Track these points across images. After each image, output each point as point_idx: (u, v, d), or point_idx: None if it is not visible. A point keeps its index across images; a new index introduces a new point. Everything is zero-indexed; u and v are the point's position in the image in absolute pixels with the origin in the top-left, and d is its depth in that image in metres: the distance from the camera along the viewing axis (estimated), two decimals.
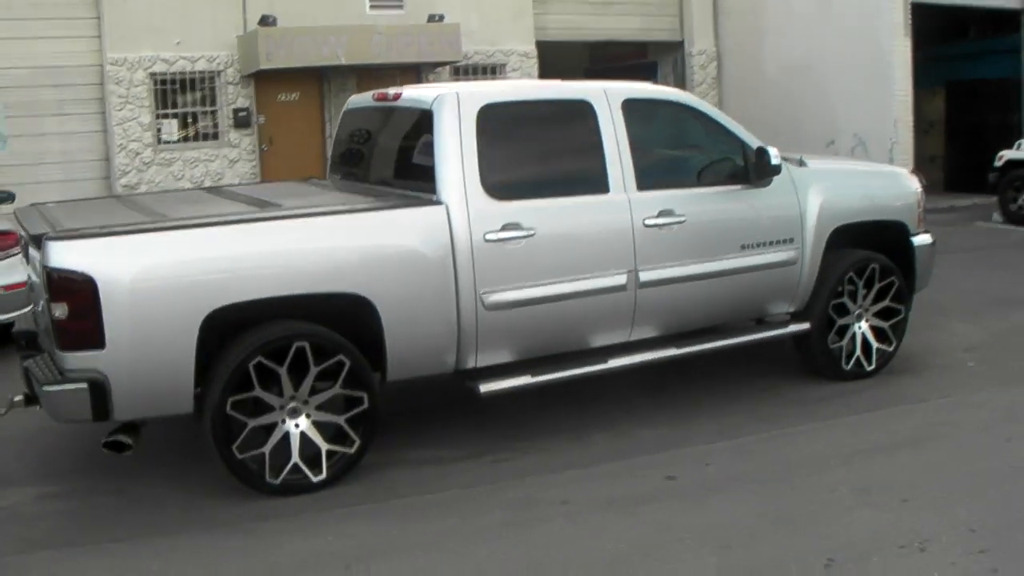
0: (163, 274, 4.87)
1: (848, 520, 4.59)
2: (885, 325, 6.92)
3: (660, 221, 5.96)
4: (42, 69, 13.10)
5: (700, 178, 6.33)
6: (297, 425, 5.23)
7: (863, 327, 6.87)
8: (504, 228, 5.53)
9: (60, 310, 4.79)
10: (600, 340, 6.00)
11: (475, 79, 16.22)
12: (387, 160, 6.39)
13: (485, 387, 5.60)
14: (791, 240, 6.48)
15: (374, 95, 6.48)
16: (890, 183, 7.15)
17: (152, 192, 9.30)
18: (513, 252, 5.56)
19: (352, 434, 5.31)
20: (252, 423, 5.12)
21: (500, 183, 5.60)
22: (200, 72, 14.38)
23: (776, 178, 6.40)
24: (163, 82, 14.17)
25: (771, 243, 6.41)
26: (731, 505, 4.86)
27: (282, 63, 13.98)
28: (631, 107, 6.06)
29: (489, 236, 5.49)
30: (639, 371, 6.53)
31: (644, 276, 5.92)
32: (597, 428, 6.07)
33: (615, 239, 5.86)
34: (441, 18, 15.33)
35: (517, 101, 5.92)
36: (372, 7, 15.64)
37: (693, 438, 5.87)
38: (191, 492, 5.29)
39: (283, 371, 5.13)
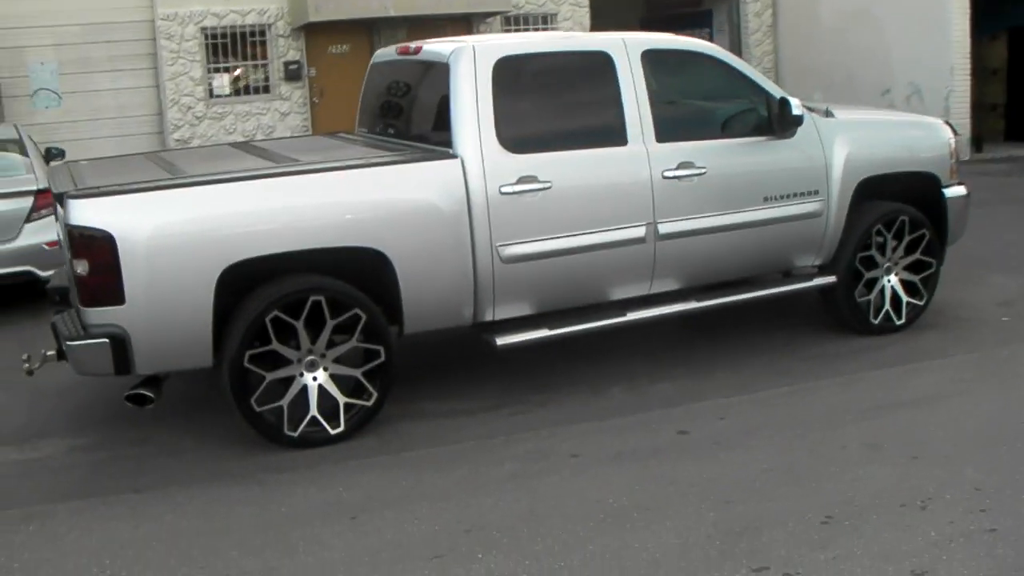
0: (180, 230, 4.98)
1: (854, 477, 4.57)
2: (915, 279, 6.80)
3: (679, 173, 5.91)
4: (94, 26, 13.32)
5: (722, 130, 6.25)
6: (315, 378, 5.33)
7: (892, 280, 6.76)
8: (520, 181, 5.53)
9: (81, 267, 4.93)
10: (620, 293, 5.99)
11: (527, 30, 16.12)
12: (410, 114, 6.42)
13: (502, 340, 5.65)
14: (816, 192, 6.38)
15: (397, 49, 6.50)
16: (921, 134, 6.97)
17: (180, 148, 9.39)
18: (530, 205, 5.57)
19: (369, 387, 5.41)
20: (270, 376, 5.23)
21: (516, 136, 5.59)
22: (250, 26, 14.47)
23: (801, 129, 6.29)
24: (214, 36, 14.28)
25: (795, 195, 6.31)
26: (739, 460, 4.86)
27: (331, 15, 14.02)
28: (651, 58, 5.99)
29: (505, 189, 5.50)
30: (660, 324, 6.52)
31: (663, 228, 5.89)
32: (615, 381, 6.09)
33: (633, 191, 5.83)
34: None
35: (534, 54, 5.89)
36: None
37: (711, 392, 5.86)
38: (212, 444, 5.45)
39: (300, 325, 5.22)
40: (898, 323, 6.76)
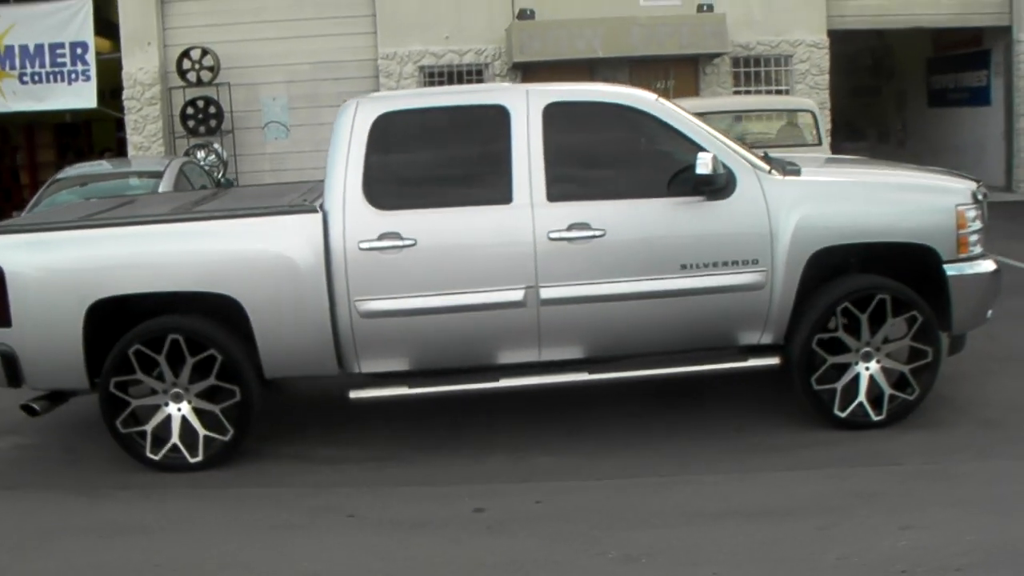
0: (56, 267, 5.58)
1: None
2: (904, 369, 5.82)
3: (569, 235, 5.56)
4: (322, 64, 14.63)
5: (637, 189, 5.72)
6: (179, 409, 5.70)
7: (872, 368, 5.80)
8: (381, 237, 5.52)
9: None
10: (505, 357, 5.74)
11: (758, 72, 15.40)
12: None
13: (355, 394, 5.68)
14: (755, 261, 5.66)
15: None
16: (914, 198, 5.89)
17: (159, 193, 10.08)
18: (390, 262, 5.54)
19: (226, 424, 5.68)
20: (135, 403, 5.68)
21: (386, 192, 5.60)
22: (468, 65, 15.10)
23: (740, 190, 5.65)
24: (431, 75, 15.08)
25: (726, 264, 5.65)
26: (489, 547, 4.54)
27: (535, 56, 14.32)
28: (557, 112, 5.70)
29: (364, 245, 5.52)
30: (619, 391, 6.30)
31: (546, 293, 5.57)
32: (506, 449, 5.81)
33: (511, 252, 5.57)
34: (710, 8, 14.70)
35: (422, 109, 5.86)
36: None
37: (586, 472, 5.44)
38: (119, 459, 5.82)
39: (161, 359, 5.62)
40: (875, 418, 5.79)
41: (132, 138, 14.34)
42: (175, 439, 5.68)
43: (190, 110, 14.34)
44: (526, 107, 5.68)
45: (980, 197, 5.96)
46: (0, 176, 18.60)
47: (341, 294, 5.55)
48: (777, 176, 5.79)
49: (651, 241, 5.66)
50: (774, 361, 5.81)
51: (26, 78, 14.02)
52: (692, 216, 5.67)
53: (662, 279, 5.64)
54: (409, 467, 5.67)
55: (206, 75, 14.26)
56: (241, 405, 5.65)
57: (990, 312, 6.08)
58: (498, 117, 5.68)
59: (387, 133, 5.66)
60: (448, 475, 5.51)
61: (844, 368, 5.81)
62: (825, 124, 10.61)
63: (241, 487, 5.48)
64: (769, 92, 14.53)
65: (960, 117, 17.12)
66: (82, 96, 14.15)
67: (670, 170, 5.73)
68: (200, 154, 13.53)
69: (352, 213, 5.55)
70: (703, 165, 5.47)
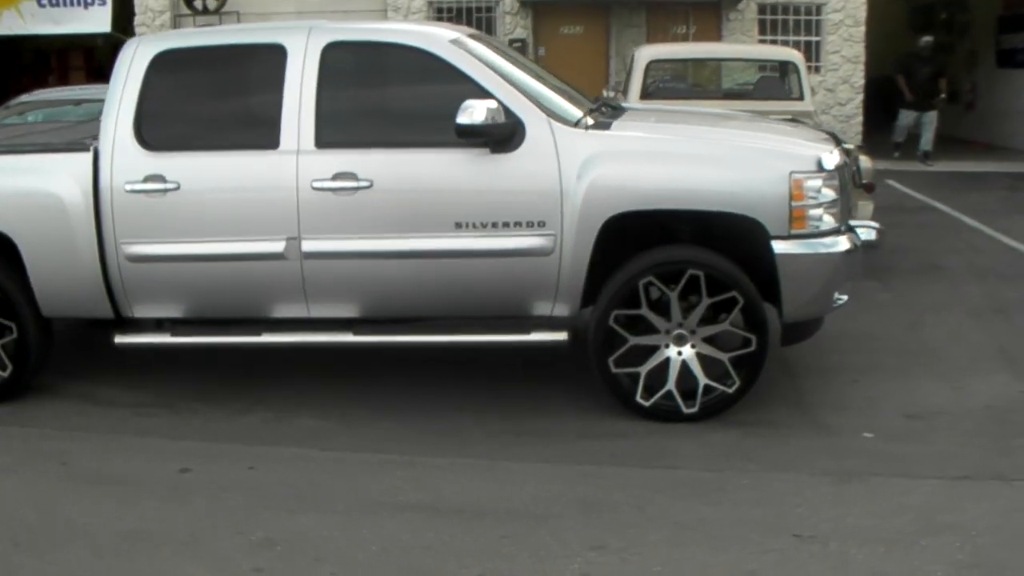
0: None
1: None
2: (723, 357, 5.24)
3: (333, 185, 5.20)
4: None
5: (416, 138, 5.27)
6: None
7: (685, 354, 5.24)
8: (146, 179, 5.32)
9: None
10: (274, 311, 5.47)
11: (786, 20, 14.37)
12: None
13: (120, 339, 5.56)
14: (541, 224, 5.16)
15: None
16: (742, 162, 5.14)
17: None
18: (154, 205, 5.33)
19: (5, 360, 5.65)
20: None
21: (156, 133, 5.39)
22: (478, 2, 14.65)
23: (529, 141, 5.12)
24: (440, 10, 14.65)
25: (507, 225, 5.16)
26: (151, 513, 4.35)
27: None
28: (337, 52, 5.33)
29: (128, 187, 5.34)
30: (436, 356, 6.01)
31: (309, 246, 5.25)
32: (278, 408, 5.57)
33: (273, 201, 5.26)
34: None
35: (198, 47, 5.61)
36: None
37: (339, 442, 5.13)
38: None
39: None
40: (687, 411, 5.21)
41: None
42: None
43: None
44: (304, 47, 5.32)
45: (831, 165, 5.23)
46: None
47: (109, 236, 5.39)
48: (578, 130, 5.27)
49: (421, 195, 5.23)
50: (562, 337, 5.33)
51: (43, 0, 14.27)
52: (472, 170, 5.20)
53: (432, 238, 5.21)
54: (173, 417, 5.53)
55: (212, 3, 14.23)
56: (18, 342, 5.61)
57: (840, 299, 5.38)
58: (276, 57, 5.34)
59: (164, 72, 5.43)
60: (200, 430, 5.35)
61: (652, 351, 5.29)
62: (808, 78, 9.71)
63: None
64: (797, 44, 13.50)
65: None
66: (97, 20, 14.27)
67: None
68: None
69: (121, 153, 5.36)
70: (465, 114, 4.98)
